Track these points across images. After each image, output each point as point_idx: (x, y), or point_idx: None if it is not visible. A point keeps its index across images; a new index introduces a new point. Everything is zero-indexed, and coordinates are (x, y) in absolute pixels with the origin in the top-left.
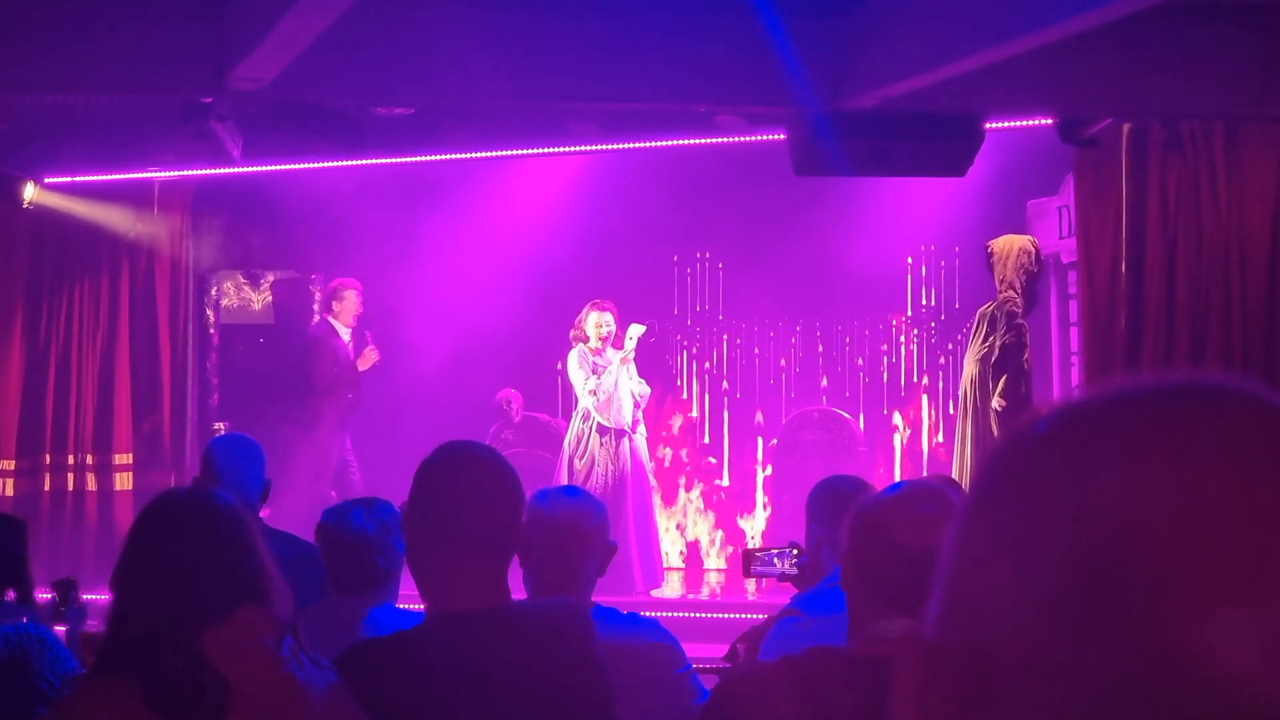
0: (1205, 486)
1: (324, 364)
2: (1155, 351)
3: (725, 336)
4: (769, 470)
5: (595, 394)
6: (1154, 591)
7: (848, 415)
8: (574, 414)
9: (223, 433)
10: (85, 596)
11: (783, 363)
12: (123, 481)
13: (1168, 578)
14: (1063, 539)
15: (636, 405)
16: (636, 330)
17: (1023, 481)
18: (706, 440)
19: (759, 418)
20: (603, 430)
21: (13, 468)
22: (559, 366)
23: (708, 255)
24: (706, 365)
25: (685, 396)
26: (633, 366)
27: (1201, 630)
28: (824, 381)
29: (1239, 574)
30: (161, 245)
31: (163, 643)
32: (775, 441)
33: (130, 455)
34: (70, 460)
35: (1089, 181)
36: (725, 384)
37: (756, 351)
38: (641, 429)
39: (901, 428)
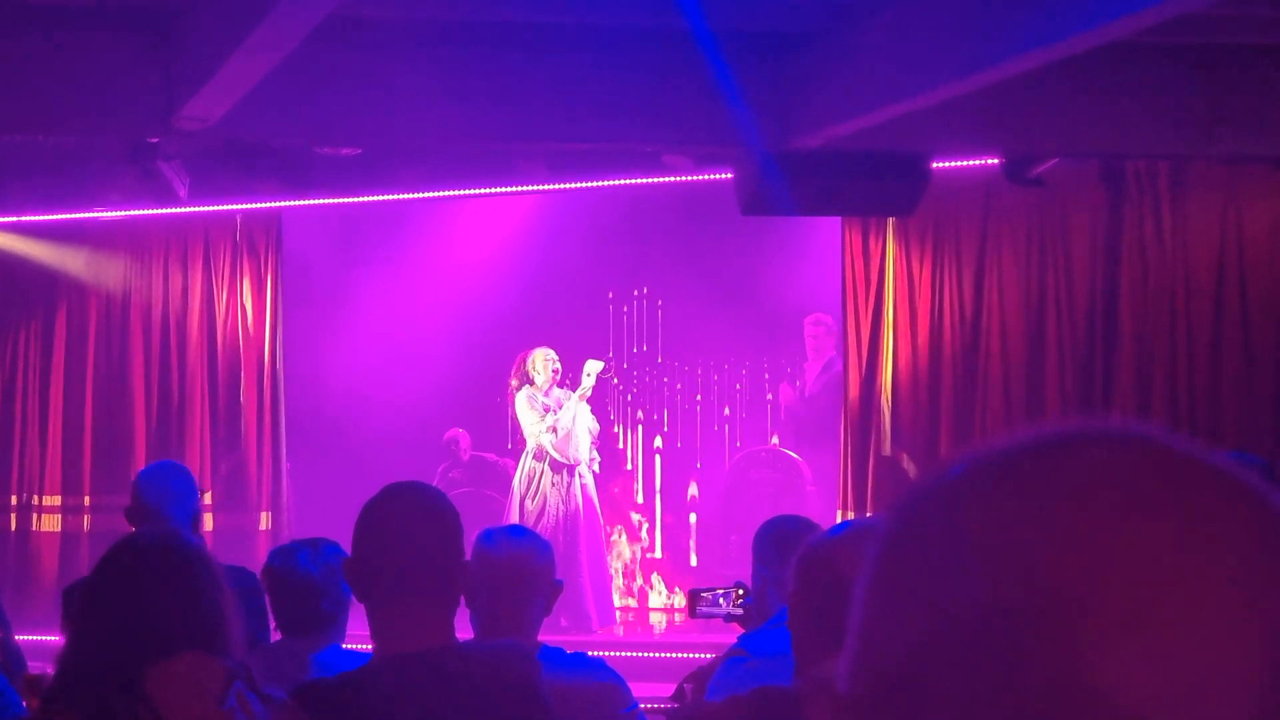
0: (1103, 527)
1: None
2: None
3: (665, 379)
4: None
5: (555, 430)
6: (1057, 631)
7: (796, 455)
8: (524, 454)
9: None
10: (22, 638)
11: (727, 410)
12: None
13: (1069, 618)
14: (967, 582)
15: (594, 444)
16: (595, 366)
17: (929, 526)
18: (640, 499)
19: (693, 491)
20: (556, 468)
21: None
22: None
23: (645, 291)
24: (639, 414)
25: (621, 446)
26: (586, 404)
27: (1103, 669)
28: (774, 439)
29: (1137, 612)
30: (245, 286)
31: (109, 686)
32: (696, 517)
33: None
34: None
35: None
36: (659, 441)
37: (698, 398)
38: (597, 465)
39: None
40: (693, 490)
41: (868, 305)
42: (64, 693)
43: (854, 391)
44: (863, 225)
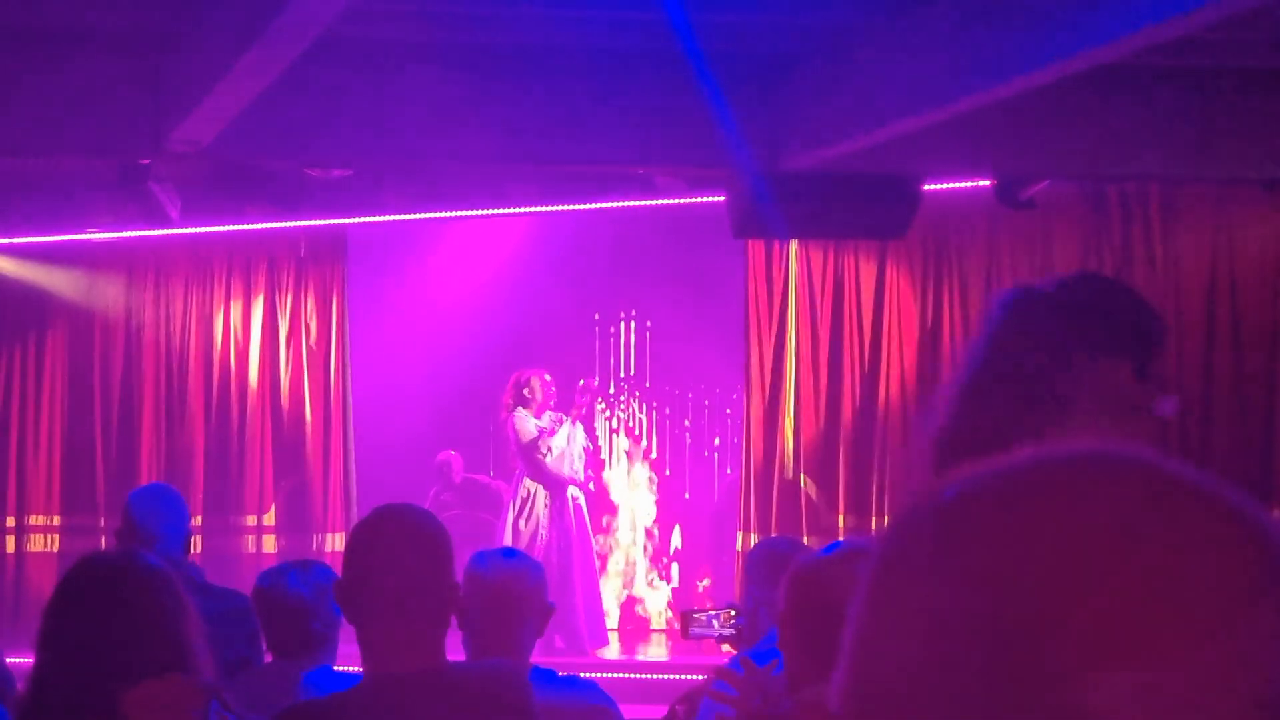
0: (1092, 551)
1: None
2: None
3: (653, 404)
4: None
5: (550, 450)
6: (1044, 653)
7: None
8: (524, 476)
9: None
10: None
11: (717, 440)
12: (261, 544)
13: (1057, 640)
14: (957, 605)
15: (588, 465)
16: (590, 386)
17: (922, 549)
18: (629, 528)
19: (675, 544)
20: (550, 488)
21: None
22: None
23: (633, 314)
24: (625, 441)
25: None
26: (580, 424)
27: (1090, 694)
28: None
29: (1125, 637)
30: (309, 304)
31: (82, 708)
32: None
33: (255, 516)
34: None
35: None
36: (645, 468)
37: (687, 424)
38: (591, 485)
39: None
40: (675, 542)
41: (770, 325)
42: (36, 714)
43: (757, 414)
44: (766, 246)
